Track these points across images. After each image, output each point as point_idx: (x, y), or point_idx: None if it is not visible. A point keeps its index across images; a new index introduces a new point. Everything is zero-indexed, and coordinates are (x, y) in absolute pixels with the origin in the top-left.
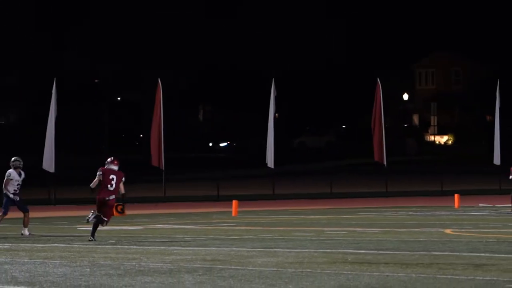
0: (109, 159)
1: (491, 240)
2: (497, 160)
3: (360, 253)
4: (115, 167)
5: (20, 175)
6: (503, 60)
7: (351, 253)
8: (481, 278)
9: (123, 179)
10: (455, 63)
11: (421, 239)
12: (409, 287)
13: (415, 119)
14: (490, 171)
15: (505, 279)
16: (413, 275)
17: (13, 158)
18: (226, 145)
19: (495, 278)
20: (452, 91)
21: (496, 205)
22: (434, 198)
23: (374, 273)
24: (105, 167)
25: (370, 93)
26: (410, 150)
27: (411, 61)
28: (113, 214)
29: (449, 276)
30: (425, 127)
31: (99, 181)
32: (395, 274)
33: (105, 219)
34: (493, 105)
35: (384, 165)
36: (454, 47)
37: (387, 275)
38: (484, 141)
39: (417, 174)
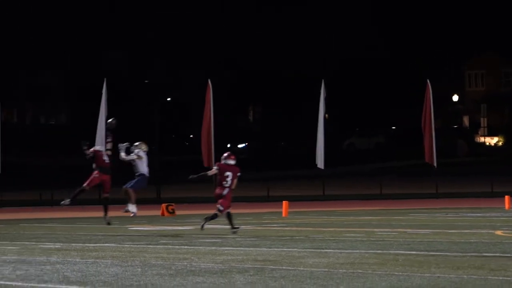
0: (225, 154)
1: None
2: None
3: (411, 254)
4: (232, 162)
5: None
6: None
7: (402, 254)
8: None
9: (239, 174)
10: (505, 64)
11: (472, 241)
12: None
13: (465, 120)
14: None
15: None
16: (465, 276)
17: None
18: (244, 146)
19: None
20: (502, 92)
21: None
22: (484, 199)
23: (425, 274)
24: (222, 162)
25: (419, 95)
26: (460, 151)
27: (461, 62)
28: (229, 206)
29: (501, 278)
30: (475, 128)
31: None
32: (446, 275)
33: (221, 208)
34: None
35: (435, 166)
36: (504, 48)
37: (438, 276)
38: None
39: (467, 175)
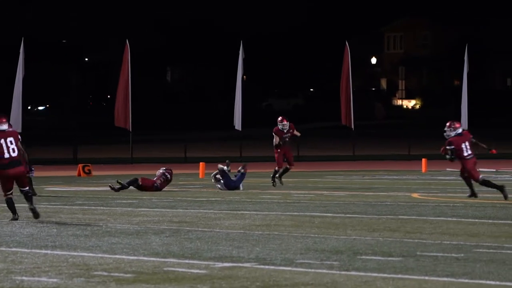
0: (279, 118)
1: (458, 204)
2: (464, 125)
3: (327, 216)
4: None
5: None
6: (471, 24)
7: (318, 216)
8: (448, 242)
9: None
10: (423, 27)
11: (388, 203)
12: (376, 251)
13: (383, 83)
14: None
15: (472, 244)
16: (380, 238)
17: None
18: (44, 108)
19: (462, 243)
20: (420, 56)
21: None
22: (402, 162)
23: (341, 237)
24: (279, 127)
25: (338, 57)
26: (378, 114)
27: (380, 25)
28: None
29: (416, 240)
30: (393, 91)
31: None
32: (362, 237)
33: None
34: (461, 69)
35: (352, 128)
36: (423, 11)
37: (354, 239)
38: (451, 105)
39: (385, 138)
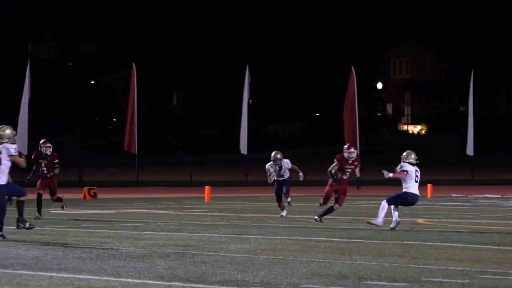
0: (346, 145)
1: (463, 230)
2: (470, 150)
3: (332, 241)
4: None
5: None
6: (477, 50)
7: (324, 241)
8: (453, 268)
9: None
10: (429, 53)
11: (394, 229)
12: (381, 276)
13: (389, 108)
14: (463, 162)
15: (477, 270)
16: (386, 264)
17: None
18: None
19: (467, 269)
20: (426, 81)
21: (469, 196)
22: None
23: (346, 262)
24: (344, 155)
25: (344, 82)
26: (384, 139)
27: (386, 49)
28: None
29: (421, 266)
30: (398, 116)
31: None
32: (367, 262)
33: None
34: (467, 95)
35: (357, 153)
36: (428, 36)
37: (359, 264)
38: (457, 131)
39: (391, 163)
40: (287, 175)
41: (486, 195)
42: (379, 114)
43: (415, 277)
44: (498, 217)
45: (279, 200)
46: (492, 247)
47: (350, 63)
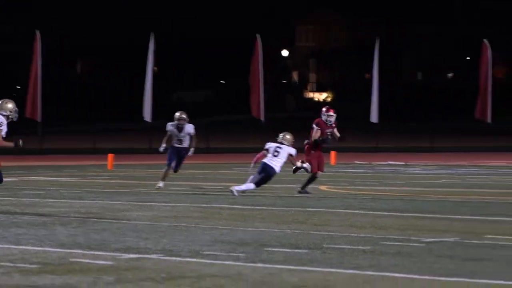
0: (324, 108)
1: (366, 197)
2: (374, 118)
3: (235, 208)
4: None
5: None
6: (383, 19)
7: (227, 208)
8: (355, 235)
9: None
10: (335, 21)
11: (297, 196)
12: (283, 243)
13: (295, 75)
14: (367, 129)
15: (379, 236)
16: (288, 231)
17: None
18: None
19: (369, 235)
20: (332, 49)
21: (372, 163)
22: None
23: (249, 228)
24: (322, 118)
25: (251, 50)
26: (289, 106)
27: (291, 18)
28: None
29: (323, 233)
30: (304, 84)
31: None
32: (270, 229)
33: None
34: (372, 63)
35: (262, 120)
36: (334, 4)
37: (262, 231)
38: (363, 99)
39: (296, 131)
40: (186, 143)
41: (389, 162)
42: (284, 81)
43: (316, 243)
44: (401, 184)
45: (168, 166)
46: (394, 213)
47: (255, 31)
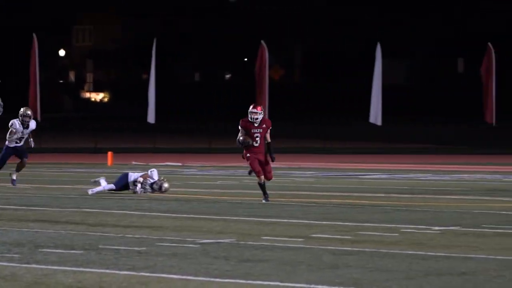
0: (252, 105)
1: (143, 199)
2: (151, 118)
3: (9, 209)
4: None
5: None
6: (161, 19)
7: (0, 209)
8: (131, 235)
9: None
10: (112, 21)
11: (73, 196)
12: (57, 244)
13: (72, 75)
14: (144, 130)
15: (155, 237)
16: (63, 231)
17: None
18: None
19: (144, 236)
20: (110, 49)
21: (150, 163)
22: (88, 155)
23: (23, 229)
24: (248, 118)
25: (28, 50)
26: (66, 106)
27: (69, 17)
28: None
29: (99, 233)
30: (81, 84)
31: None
32: (45, 230)
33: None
34: (150, 64)
35: (38, 120)
36: (112, 5)
37: (36, 231)
38: (140, 99)
39: (72, 131)
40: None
41: (167, 163)
42: (61, 81)
43: (92, 244)
44: (178, 185)
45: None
46: (170, 214)
47: (33, 30)
